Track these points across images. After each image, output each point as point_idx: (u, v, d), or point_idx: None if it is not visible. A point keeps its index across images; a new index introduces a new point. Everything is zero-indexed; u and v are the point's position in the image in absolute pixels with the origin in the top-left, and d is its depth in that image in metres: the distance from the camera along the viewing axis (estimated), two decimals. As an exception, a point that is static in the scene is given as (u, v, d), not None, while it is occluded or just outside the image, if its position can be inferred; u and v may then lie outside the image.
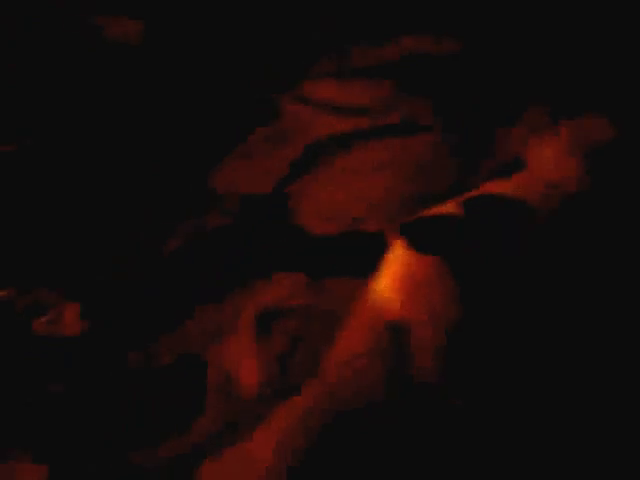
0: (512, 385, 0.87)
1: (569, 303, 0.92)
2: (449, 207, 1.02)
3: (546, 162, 1.05)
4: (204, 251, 1.12)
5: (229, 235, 1.14)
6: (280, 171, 1.21)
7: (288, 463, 0.85)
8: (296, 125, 1.26)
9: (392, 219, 1.06)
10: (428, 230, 1.00)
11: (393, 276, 0.92)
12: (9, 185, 1.22)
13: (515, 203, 1.00)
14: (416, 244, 0.96)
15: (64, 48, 1.40)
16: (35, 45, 1.41)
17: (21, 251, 1.14)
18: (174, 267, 1.11)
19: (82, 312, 1.04)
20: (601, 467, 0.83)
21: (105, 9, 1.46)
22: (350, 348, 0.96)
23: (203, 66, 1.40)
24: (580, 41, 1.34)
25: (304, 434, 0.87)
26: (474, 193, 1.04)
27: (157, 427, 0.94)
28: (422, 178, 1.16)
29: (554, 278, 0.93)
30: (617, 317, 0.91)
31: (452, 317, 0.89)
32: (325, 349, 0.98)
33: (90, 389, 0.98)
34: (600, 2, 1.39)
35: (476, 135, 1.23)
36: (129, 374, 0.98)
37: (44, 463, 0.90)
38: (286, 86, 1.32)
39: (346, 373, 0.92)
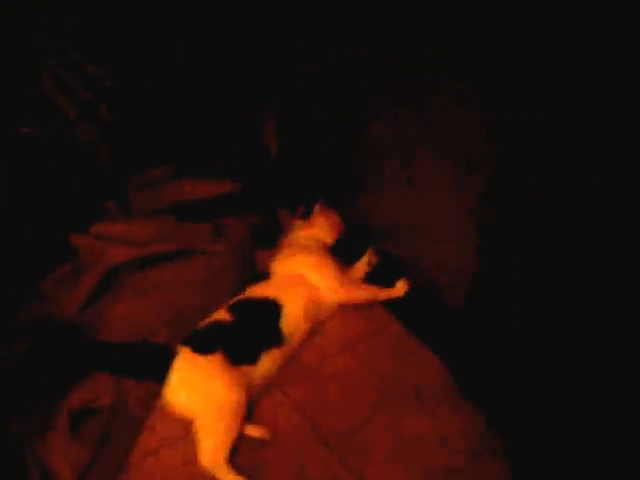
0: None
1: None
2: (219, 314, 1.31)
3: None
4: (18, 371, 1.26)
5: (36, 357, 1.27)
6: (81, 298, 1.38)
7: None
8: (91, 258, 1.44)
9: (179, 330, 1.29)
10: (206, 335, 1.27)
11: (180, 377, 1.19)
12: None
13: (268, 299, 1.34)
14: (197, 348, 1.22)
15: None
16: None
17: None
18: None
19: None
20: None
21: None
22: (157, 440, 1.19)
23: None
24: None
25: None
26: (236, 298, 1.36)
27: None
28: (203, 293, 1.42)
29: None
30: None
31: (231, 400, 1.18)
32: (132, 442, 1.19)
33: None
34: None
35: (245, 255, 1.56)
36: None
37: None
38: (80, 227, 1.50)
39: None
